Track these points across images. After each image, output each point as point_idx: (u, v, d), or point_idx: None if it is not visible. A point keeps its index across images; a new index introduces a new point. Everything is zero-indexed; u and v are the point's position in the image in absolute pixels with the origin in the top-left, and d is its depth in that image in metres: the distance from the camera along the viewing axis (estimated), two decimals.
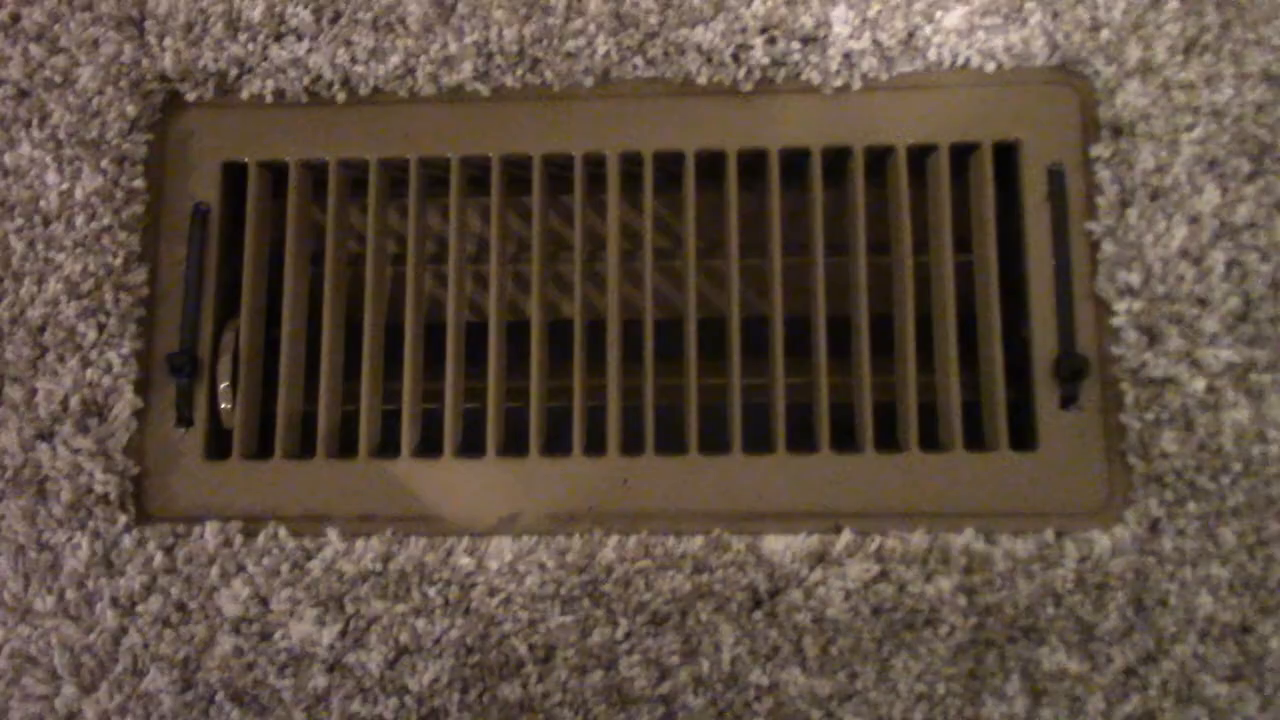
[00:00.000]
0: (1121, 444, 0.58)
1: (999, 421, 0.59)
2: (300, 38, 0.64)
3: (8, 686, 0.58)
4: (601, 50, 0.62)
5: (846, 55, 0.62)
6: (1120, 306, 0.59)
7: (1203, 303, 0.58)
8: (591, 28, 0.63)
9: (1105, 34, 0.61)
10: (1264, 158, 0.59)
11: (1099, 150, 0.60)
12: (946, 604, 0.57)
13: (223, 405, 0.61)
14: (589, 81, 0.63)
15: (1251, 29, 0.61)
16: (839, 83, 0.62)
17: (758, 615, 0.57)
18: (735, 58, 0.62)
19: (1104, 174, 0.60)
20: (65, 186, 0.62)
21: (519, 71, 0.63)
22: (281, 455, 0.61)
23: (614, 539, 0.58)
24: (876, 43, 0.62)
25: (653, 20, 0.62)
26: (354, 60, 0.63)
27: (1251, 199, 0.59)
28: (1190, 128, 0.60)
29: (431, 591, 0.58)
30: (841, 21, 0.62)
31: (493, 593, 0.57)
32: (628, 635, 0.57)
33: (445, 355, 0.62)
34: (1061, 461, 0.59)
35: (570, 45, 0.62)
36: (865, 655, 0.56)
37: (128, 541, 0.60)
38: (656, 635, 0.57)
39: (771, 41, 0.62)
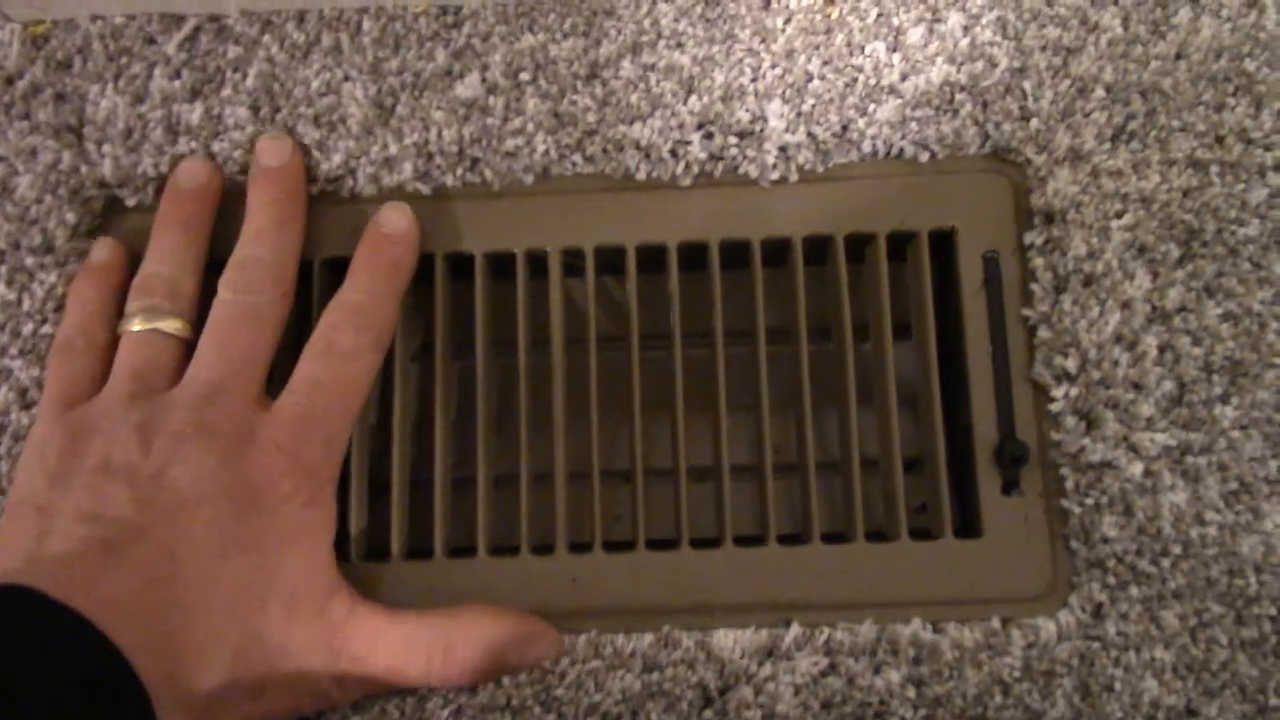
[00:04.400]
0: (1064, 529, 0.59)
1: (943, 510, 0.60)
2: (243, 134, 0.64)
3: None
4: (540, 149, 0.63)
5: (783, 148, 0.63)
6: (1058, 392, 0.60)
7: (1138, 387, 0.59)
8: (530, 127, 0.63)
9: (1035, 123, 0.62)
10: (1191, 242, 0.61)
11: (1032, 237, 0.62)
12: (896, 696, 0.57)
13: None
14: (529, 179, 0.63)
15: (1176, 115, 0.62)
16: (776, 175, 0.63)
17: (708, 714, 0.57)
18: (673, 153, 0.63)
19: (1038, 261, 0.61)
20: (11, 297, 0.62)
21: (459, 171, 0.63)
22: None
23: (564, 639, 0.58)
24: (811, 136, 0.63)
25: (590, 118, 0.63)
26: None
27: (1181, 283, 0.60)
28: (1120, 214, 0.61)
29: (389, 706, 0.57)
30: (777, 116, 0.63)
31: (445, 704, 0.57)
32: None
33: (391, 459, 0.62)
34: (1006, 548, 0.59)
35: (509, 144, 0.63)
36: None
37: None
38: None
39: (709, 137, 0.63)
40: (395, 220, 0.61)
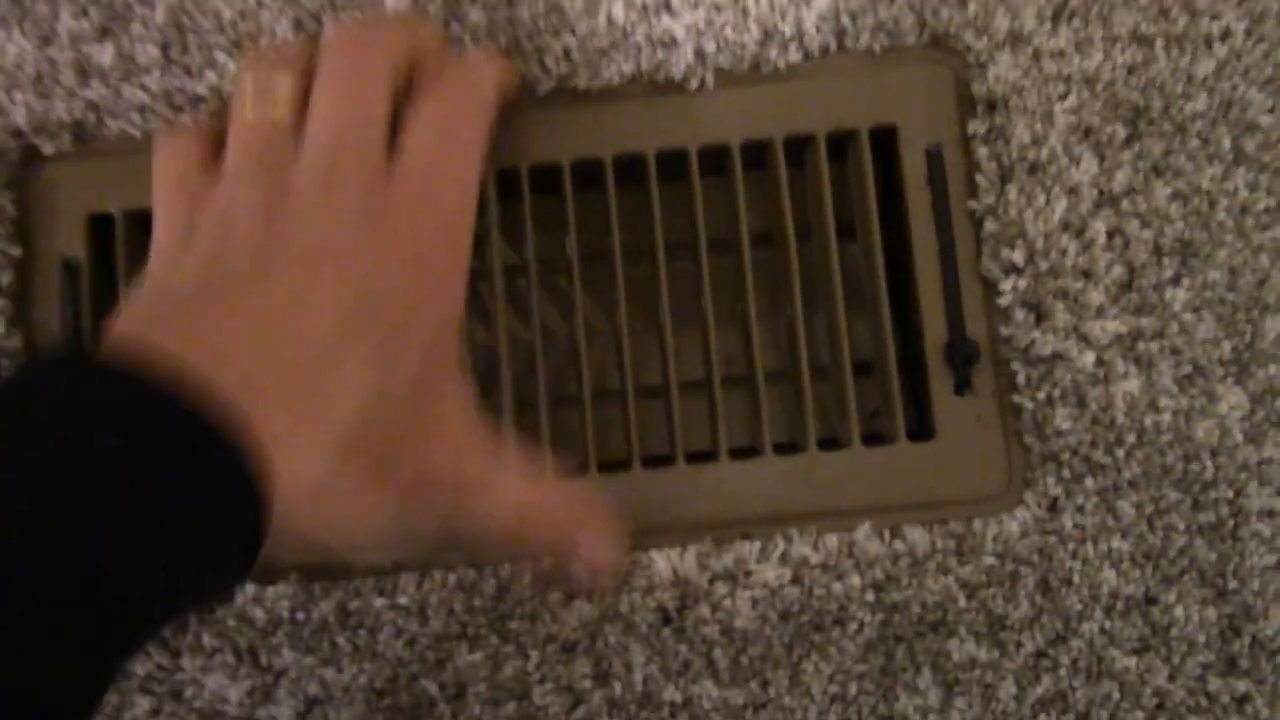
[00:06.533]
0: (1017, 425, 0.58)
1: (896, 413, 0.59)
2: (153, 75, 0.62)
3: None
4: None
5: (717, 50, 0.61)
6: (1006, 285, 0.58)
7: (1087, 275, 0.58)
8: (468, 38, 0.61)
9: (973, 6, 0.60)
10: (1138, 121, 0.59)
11: (975, 127, 0.60)
12: (854, 601, 0.57)
13: None
14: None
15: None
16: (710, 80, 0.61)
17: (666, 632, 0.57)
18: (604, 60, 0.61)
19: (982, 151, 0.60)
20: None
21: None
22: None
23: (520, 567, 0.58)
24: (744, 35, 0.61)
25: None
26: (214, 94, 0.62)
27: (1129, 164, 0.59)
28: (1063, 96, 0.59)
29: (340, 639, 0.57)
30: (706, 18, 0.60)
31: (399, 634, 0.57)
32: (539, 665, 0.57)
33: None
34: (960, 449, 0.59)
35: None
36: (776, 662, 0.56)
37: None
38: (567, 662, 0.57)
39: (639, 44, 0.61)
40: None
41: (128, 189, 0.62)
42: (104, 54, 0.62)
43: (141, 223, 0.63)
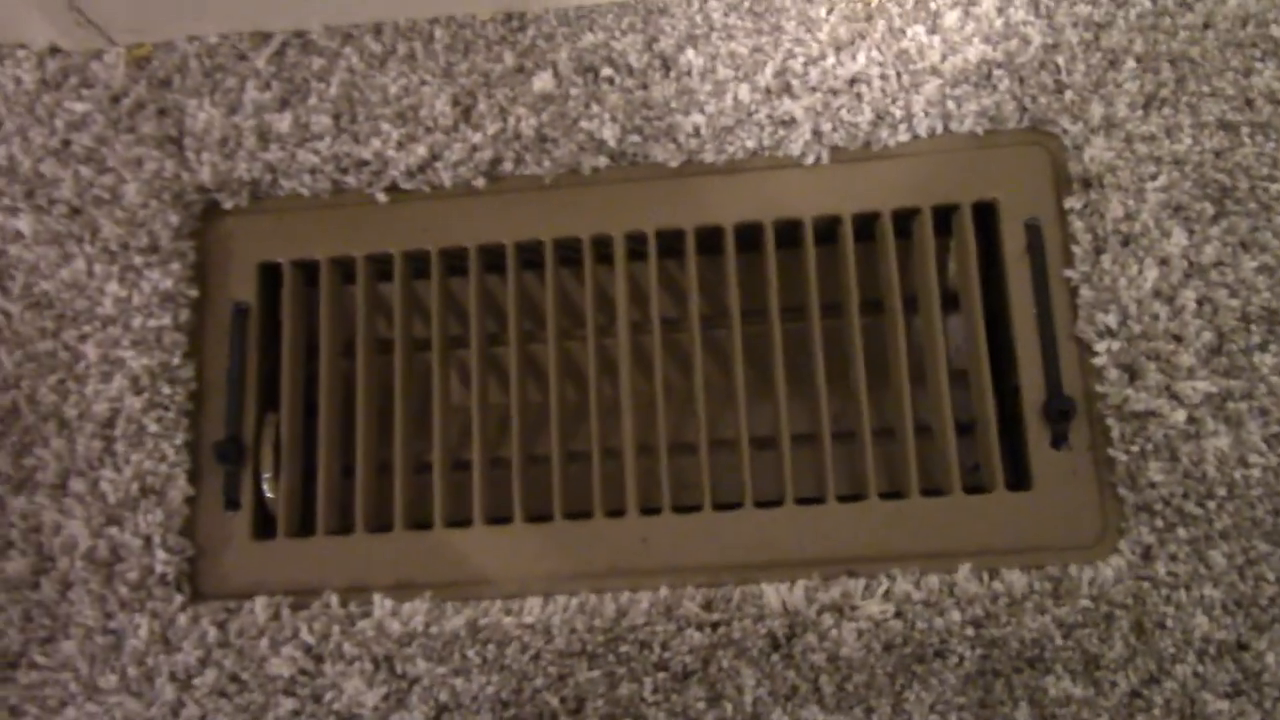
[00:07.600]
0: (1111, 477, 0.62)
1: (995, 465, 0.63)
2: (325, 141, 0.69)
3: None
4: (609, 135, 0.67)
5: (831, 130, 0.67)
6: (1101, 347, 0.62)
7: (1178, 339, 0.62)
8: (606, 115, 0.68)
9: (1069, 95, 0.65)
10: (1225, 200, 0.63)
11: (1071, 203, 0.65)
12: (955, 636, 0.60)
13: (266, 491, 0.66)
14: (592, 167, 0.68)
15: (1205, 81, 0.65)
16: (825, 157, 0.67)
17: (775, 658, 0.60)
18: (731, 137, 0.67)
19: (1078, 224, 0.64)
20: (123, 294, 0.68)
21: (534, 155, 0.68)
22: (324, 532, 0.66)
23: (638, 595, 0.62)
24: (857, 118, 0.67)
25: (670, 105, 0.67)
26: (377, 159, 0.69)
27: (1217, 239, 0.63)
28: (1154, 176, 0.64)
29: (470, 652, 0.61)
30: (823, 101, 0.66)
31: (524, 650, 0.61)
32: (655, 690, 0.60)
33: (471, 430, 0.66)
34: (1056, 498, 0.62)
35: (582, 133, 0.68)
36: (879, 690, 0.59)
37: (183, 619, 0.64)
38: (682, 688, 0.60)
39: (762, 122, 0.67)
40: None
41: (296, 242, 0.69)
42: (283, 122, 0.70)
43: (307, 272, 0.70)
